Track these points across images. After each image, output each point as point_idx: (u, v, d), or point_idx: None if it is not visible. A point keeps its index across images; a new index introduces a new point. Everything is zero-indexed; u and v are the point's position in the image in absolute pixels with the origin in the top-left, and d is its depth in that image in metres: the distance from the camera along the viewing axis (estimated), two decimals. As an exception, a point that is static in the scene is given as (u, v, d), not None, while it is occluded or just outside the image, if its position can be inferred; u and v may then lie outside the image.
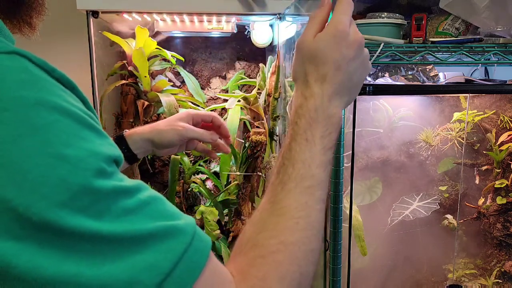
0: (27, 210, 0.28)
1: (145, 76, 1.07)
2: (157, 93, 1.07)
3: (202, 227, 1.18)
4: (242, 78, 1.28)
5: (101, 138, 0.33)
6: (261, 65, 1.20)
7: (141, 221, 0.32)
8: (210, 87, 1.33)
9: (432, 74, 1.35)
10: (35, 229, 0.28)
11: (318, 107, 0.45)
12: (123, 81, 1.09)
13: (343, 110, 0.48)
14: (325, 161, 0.44)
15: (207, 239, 0.35)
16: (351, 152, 0.90)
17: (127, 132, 0.76)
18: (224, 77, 1.35)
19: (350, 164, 0.90)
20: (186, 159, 1.18)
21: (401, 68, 1.35)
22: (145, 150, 0.77)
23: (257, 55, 1.34)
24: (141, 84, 1.10)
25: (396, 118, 1.36)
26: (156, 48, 1.09)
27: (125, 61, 1.10)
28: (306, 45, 0.47)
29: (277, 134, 1.17)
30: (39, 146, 0.29)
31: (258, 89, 1.19)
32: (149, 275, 0.30)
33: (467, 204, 1.45)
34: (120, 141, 0.75)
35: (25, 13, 0.45)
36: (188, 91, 1.22)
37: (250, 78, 1.32)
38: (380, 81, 1.29)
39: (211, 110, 1.24)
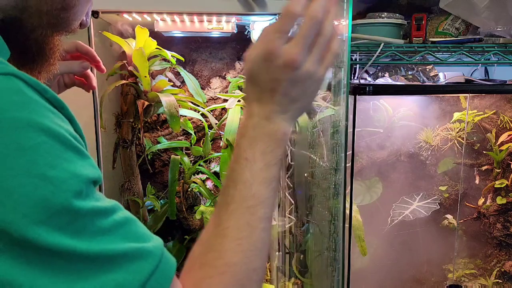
0: (8, 227, 0.29)
1: (145, 76, 1.07)
2: (157, 93, 1.07)
3: (202, 227, 1.18)
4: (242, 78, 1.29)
5: (83, 159, 0.35)
6: (261, 65, 1.21)
7: (115, 242, 0.33)
8: (210, 87, 1.33)
9: (432, 74, 1.35)
10: (14, 245, 0.29)
11: (256, 126, 0.45)
12: (123, 81, 1.09)
13: (295, 122, 0.48)
14: (269, 177, 0.44)
15: (173, 262, 0.37)
16: (351, 152, 0.90)
17: None
18: (224, 77, 1.35)
19: (350, 164, 0.90)
20: (186, 159, 1.18)
21: (401, 68, 1.35)
22: None
23: (257, 55, 1.34)
24: (141, 84, 1.10)
25: (396, 118, 1.36)
26: (156, 48, 1.09)
27: (125, 61, 1.10)
28: (246, 63, 0.46)
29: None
30: (25, 167, 0.30)
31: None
32: None
33: (467, 204, 1.45)
34: None
35: (38, 67, 0.48)
36: (188, 91, 1.22)
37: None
38: (380, 81, 1.29)
39: (210, 111, 1.24)
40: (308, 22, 0.43)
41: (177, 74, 1.25)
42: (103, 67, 0.77)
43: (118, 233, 0.34)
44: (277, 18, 1.09)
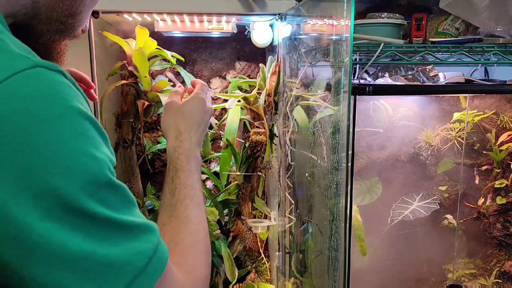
0: (68, 197, 0.35)
1: (145, 76, 1.07)
2: (157, 93, 1.07)
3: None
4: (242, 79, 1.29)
5: (107, 144, 0.42)
6: (261, 65, 1.20)
7: (134, 215, 0.41)
8: (210, 87, 1.33)
9: (432, 74, 1.35)
10: (70, 213, 0.35)
11: (190, 149, 0.67)
12: (123, 81, 1.09)
13: None
14: (200, 185, 0.64)
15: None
16: (351, 152, 0.90)
17: None
18: (224, 77, 1.35)
19: (350, 164, 0.90)
20: (186, 159, 1.18)
21: (401, 68, 1.35)
22: None
23: (257, 55, 1.34)
24: (141, 84, 1.10)
25: (396, 118, 1.36)
26: (156, 48, 1.09)
27: (125, 61, 1.10)
28: (175, 105, 0.72)
29: (277, 134, 1.17)
30: (80, 148, 0.37)
31: (258, 89, 1.19)
32: (138, 258, 0.39)
33: (467, 204, 1.45)
34: None
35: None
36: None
37: (250, 78, 1.32)
38: (380, 81, 1.29)
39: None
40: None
41: (177, 74, 1.25)
42: (95, 95, 0.83)
43: (134, 208, 0.42)
44: (277, 17, 1.09)
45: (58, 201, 0.35)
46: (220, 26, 1.11)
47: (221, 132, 1.25)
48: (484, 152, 1.42)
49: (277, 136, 1.17)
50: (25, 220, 0.34)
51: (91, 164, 0.37)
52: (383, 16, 1.01)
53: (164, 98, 1.04)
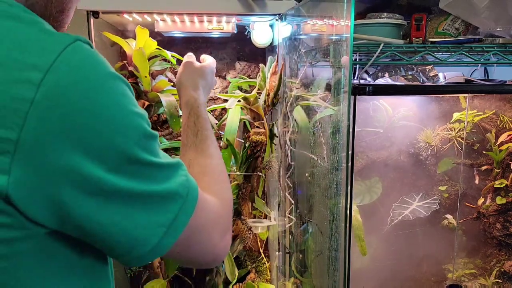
0: (128, 151, 0.42)
1: (146, 76, 1.07)
2: (158, 93, 1.07)
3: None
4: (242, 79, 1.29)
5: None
6: (261, 65, 1.21)
7: (166, 155, 0.49)
8: (210, 87, 1.33)
9: (431, 74, 1.35)
10: (130, 164, 0.42)
11: (204, 102, 0.79)
12: (124, 81, 1.09)
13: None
14: (211, 131, 0.74)
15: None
16: (351, 152, 0.90)
17: None
18: (224, 77, 1.35)
19: (350, 164, 0.90)
20: (186, 159, 1.18)
21: (401, 68, 1.35)
22: None
23: (257, 55, 1.34)
24: (142, 84, 1.10)
25: (396, 118, 1.37)
26: (156, 48, 1.10)
27: (125, 61, 1.10)
28: (194, 66, 0.86)
29: (277, 134, 1.18)
30: (128, 107, 0.43)
31: (258, 89, 1.19)
32: (181, 189, 0.47)
33: (467, 204, 1.45)
34: None
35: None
36: (188, 91, 1.22)
37: (250, 78, 1.32)
38: (380, 81, 1.30)
39: (210, 111, 1.24)
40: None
41: (177, 74, 1.25)
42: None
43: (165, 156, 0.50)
44: (277, 18, 1.09)
45: (121, 155, 0.41)
46: (220, 26, 1.12)
47: (221, 132, 1.25)
48: (484, 152, 1.43)
49: (277, 136, 1.18)
50: (93, 174, 0.40)
51: (139, 120, 0.44)
52: (383, 16, 1.01)
53: (164, 98, 1.04)
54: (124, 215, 0.43)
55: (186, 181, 0.48)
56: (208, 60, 0.91)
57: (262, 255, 1.25)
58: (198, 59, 1.41)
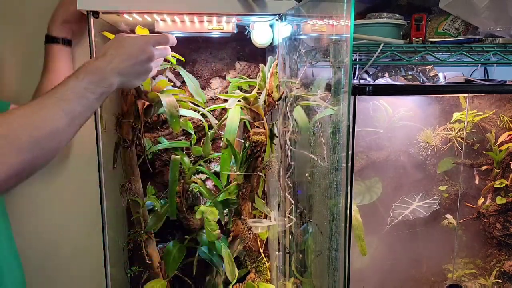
0: None
1: (146, 76, 1.07)
2: (158, 93, 1.07)
3: (203, 226, 1.18)
4: (242, 78, 1.29)
5: None
6: (261, 65, 1.21)
7: None
8: (210, 87, 1.33)
9: (431, 74, 1.35)
10: None
11: (99, 67, 0.74)
12: (124, 81, 1.09)
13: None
14: (82, 97, 0.71)
15: None
16: (350, 152, 0.90)
17: None
18: (224, 78, 1.35)
19: (350, 163, 0.90)
20: (186, 159, 1.18)
21: (401, 68, 1.35)
22: None
23: (257, 55, 1.34)
24: (141, 84, 1.10)
25: (396, 118, 1.37)
26: (156, 48, 1.10)
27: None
28: (121, 36, 0.81)
29: (277, 134, 1.18)
30: None
31: (258, 89, 1.19)
32: None
33: (467, 204, 1.45)
34: None
35: None
36: (188, 91, 1.22)
37: (250, 78, 1.32)
38: (380, 81, 1.30)
39: (210, 111, 1.24)
40: None
41: (177, 74, 1.25)
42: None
43: None
44: (277, 18, 1.09)
45: None
46: (220, 26, 1.12)
47: (221, 132, 1.25)
48: (484, 152, 1.43)
49: (277, 136, 1.18)
50: None
51: None
52: (383, 16, 1.01)
53: (164, 98, 1.04)
54: None
55: None
56: (154, 35, 0.86)
57: (262, 255, 1.25)
58: (198, 59, 1.41)
